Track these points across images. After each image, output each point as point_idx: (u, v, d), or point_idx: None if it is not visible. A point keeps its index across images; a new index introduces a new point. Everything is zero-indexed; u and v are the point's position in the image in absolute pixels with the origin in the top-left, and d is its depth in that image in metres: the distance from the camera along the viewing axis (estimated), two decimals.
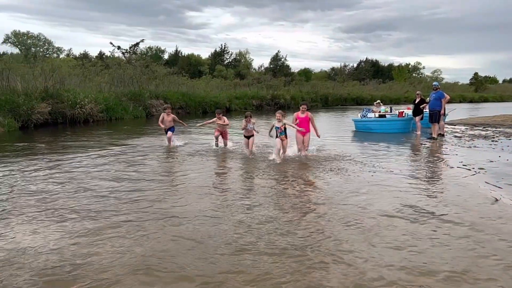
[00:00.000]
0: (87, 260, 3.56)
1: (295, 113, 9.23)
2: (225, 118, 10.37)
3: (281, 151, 8.68)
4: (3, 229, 4.30)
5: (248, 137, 9.33)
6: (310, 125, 9.10)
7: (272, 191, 5.95)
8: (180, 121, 11.34)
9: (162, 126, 10.80)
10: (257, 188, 6.17)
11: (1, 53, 36.49)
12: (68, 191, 5.84)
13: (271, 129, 8.88)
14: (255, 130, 9.33)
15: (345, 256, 3.66)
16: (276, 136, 8.70)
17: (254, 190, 6.06)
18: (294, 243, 3.95)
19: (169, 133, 10.72)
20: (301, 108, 9.15)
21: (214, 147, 10.31)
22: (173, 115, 10.99)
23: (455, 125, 17.18)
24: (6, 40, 61.45)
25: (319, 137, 9.41)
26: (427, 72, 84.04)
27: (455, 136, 13.18)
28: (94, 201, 5.36)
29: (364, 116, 15.51)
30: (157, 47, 64.87)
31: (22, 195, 5.64)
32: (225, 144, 10.54)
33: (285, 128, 8.70)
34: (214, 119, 10.09)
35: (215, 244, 3.91)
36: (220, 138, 10.45)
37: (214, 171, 7.72)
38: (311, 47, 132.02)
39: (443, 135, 13.01)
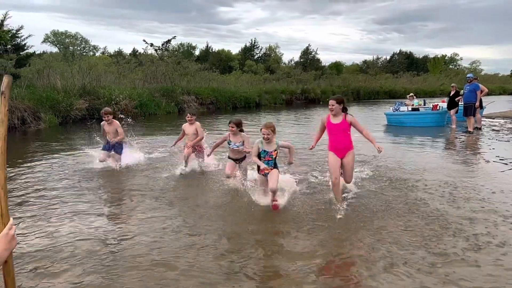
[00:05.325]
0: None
1: (324, 117, 5.27)
2: (198, 126, 6.95)
3: (269, 191, 4.89)
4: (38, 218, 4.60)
5: (236, 160, 5.84)
6: (355, 134, 5.21)
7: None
8: (122, 136, 7.22)
9: (107, 139, 7.25)
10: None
11: (41, 52, 38.09)
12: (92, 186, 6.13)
13: (255, 150, 5.09)
14: (246, 150, 5.62)
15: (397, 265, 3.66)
16: (259, 170, 5.17)
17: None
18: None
19: (103, 154, 7.18)
20: (329, 106, 5.11)
21: (182, 169, 6.74)
22: (117, 123, 7.24)
23: (493, 118, 16.51)
24: (46, 40, 64.16)
25: (380, 150, 4.82)
26: (465, 64, 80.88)
27: (493, 130, 12.69)
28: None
29: (397, 110, 15.19)
30: (188, 43, 65.67)
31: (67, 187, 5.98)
32: (200, 158, 7.04)
33: (276, 155, 5.08)
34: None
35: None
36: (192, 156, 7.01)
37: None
38: (343, 39, 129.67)
39: (480, 129, 12.56)
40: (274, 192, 4.75)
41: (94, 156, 7.51)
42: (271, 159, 4.99)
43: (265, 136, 4.92)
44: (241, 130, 5.71)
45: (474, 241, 3.81)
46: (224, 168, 6.04)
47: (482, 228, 4.13)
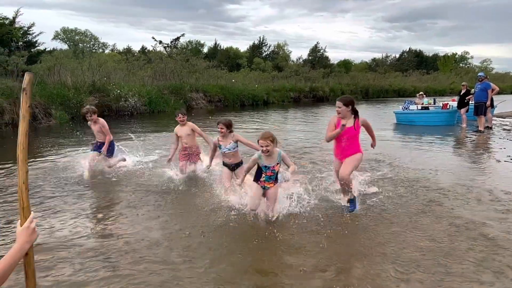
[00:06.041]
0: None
1: (332, 118, 4.91)
2: (194, 125, 6.41)
3: (268, 206, 4.48)
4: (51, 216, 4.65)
5: (231, 167, 5.29)
6: (359, 138, 4.89)
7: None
8: (109, 139, 6.61)
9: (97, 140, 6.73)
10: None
11: (52, 49, 38.40)
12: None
13: (251, 167, 4.54)
14: (250, 144, 5.12)
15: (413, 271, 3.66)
16: (258, 178, 4.47)
17: None
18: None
19: (90, 158, 6.63)
20: (336, 108, 4.83)
21: (176, 175, 6.28)
22: (102, 121, 6.63)
23: (504, 118, 16.32)
24: (56, 37, 64.71)
25: (374, 147, 5.39)
26: (475, 62, 79.94)
27: (504, 129, 12.55)
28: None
29: (406, 108, 15.10)
30: (196, 41, 65.79)
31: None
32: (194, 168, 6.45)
33: (278, 168, 4.47)
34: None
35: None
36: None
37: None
38: (351, 37, 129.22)
39: (490, 128, 12.43)
40: (272, 209, 4.35)
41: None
42: (272, 174, 4.39)
43: (264, 149, 4.21)
44: (231, 131, 5.16)
45: (490, 244, 3.76)
46: (222, 175, 5.41)
47: (497, 231, 4.08)
